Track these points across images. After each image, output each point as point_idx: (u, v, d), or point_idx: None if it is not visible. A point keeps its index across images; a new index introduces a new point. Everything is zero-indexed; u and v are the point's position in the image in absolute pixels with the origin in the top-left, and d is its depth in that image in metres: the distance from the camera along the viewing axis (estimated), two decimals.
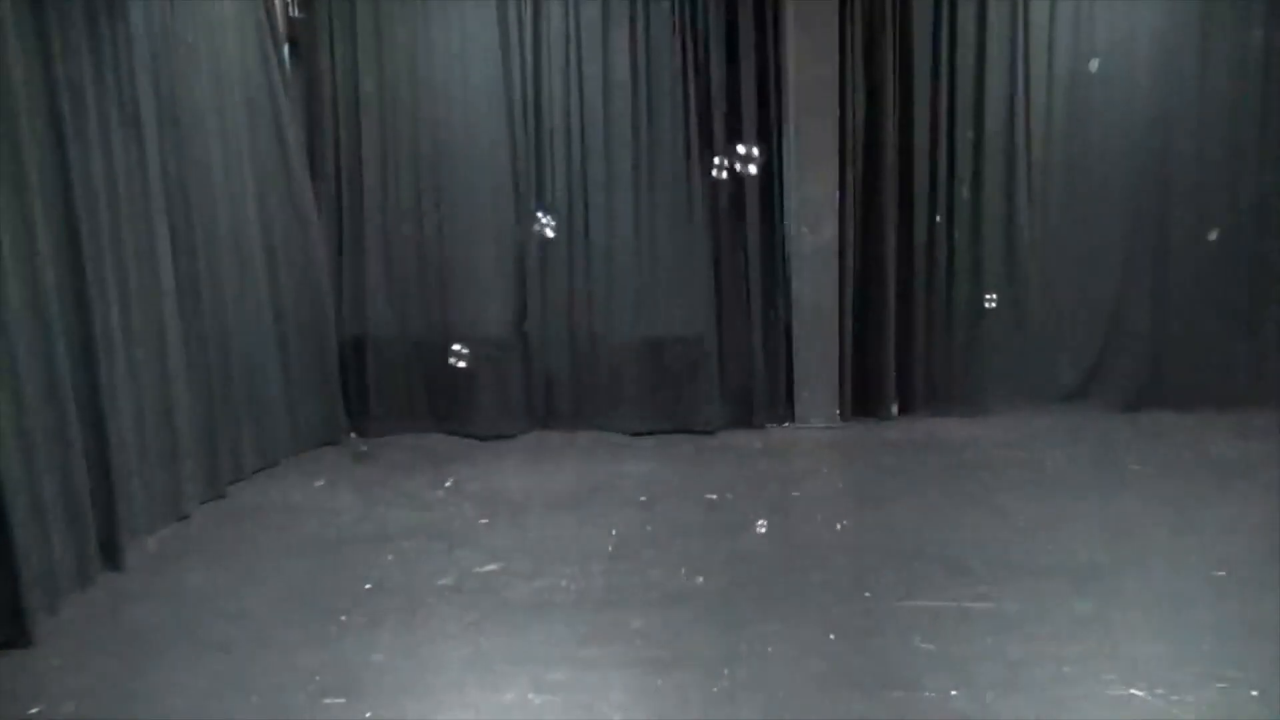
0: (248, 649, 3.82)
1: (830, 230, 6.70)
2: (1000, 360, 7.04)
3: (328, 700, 3.43)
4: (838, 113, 6.62)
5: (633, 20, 6.65)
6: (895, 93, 6.76)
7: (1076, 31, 6.77)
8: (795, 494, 5.78)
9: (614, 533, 4.83)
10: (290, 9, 6.52)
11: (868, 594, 4.11)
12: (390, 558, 4.72)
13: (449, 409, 6.88)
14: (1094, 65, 6.69)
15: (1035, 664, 3.52)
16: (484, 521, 5.23)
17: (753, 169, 6.45)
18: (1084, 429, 6.60)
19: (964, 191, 6.86)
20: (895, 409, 6.77)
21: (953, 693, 3.35)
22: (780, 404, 6.95)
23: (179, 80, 5.35)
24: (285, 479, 6.05)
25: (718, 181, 6.76)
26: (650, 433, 6.55)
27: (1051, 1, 6.73)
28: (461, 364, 5.10)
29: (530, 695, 3.43)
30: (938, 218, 6.83)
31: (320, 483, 5.96)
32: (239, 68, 5.95)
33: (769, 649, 3.69)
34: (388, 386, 6.88)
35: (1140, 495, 5.32)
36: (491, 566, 4.58)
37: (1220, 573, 4.25)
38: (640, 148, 6.73)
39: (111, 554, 4.56)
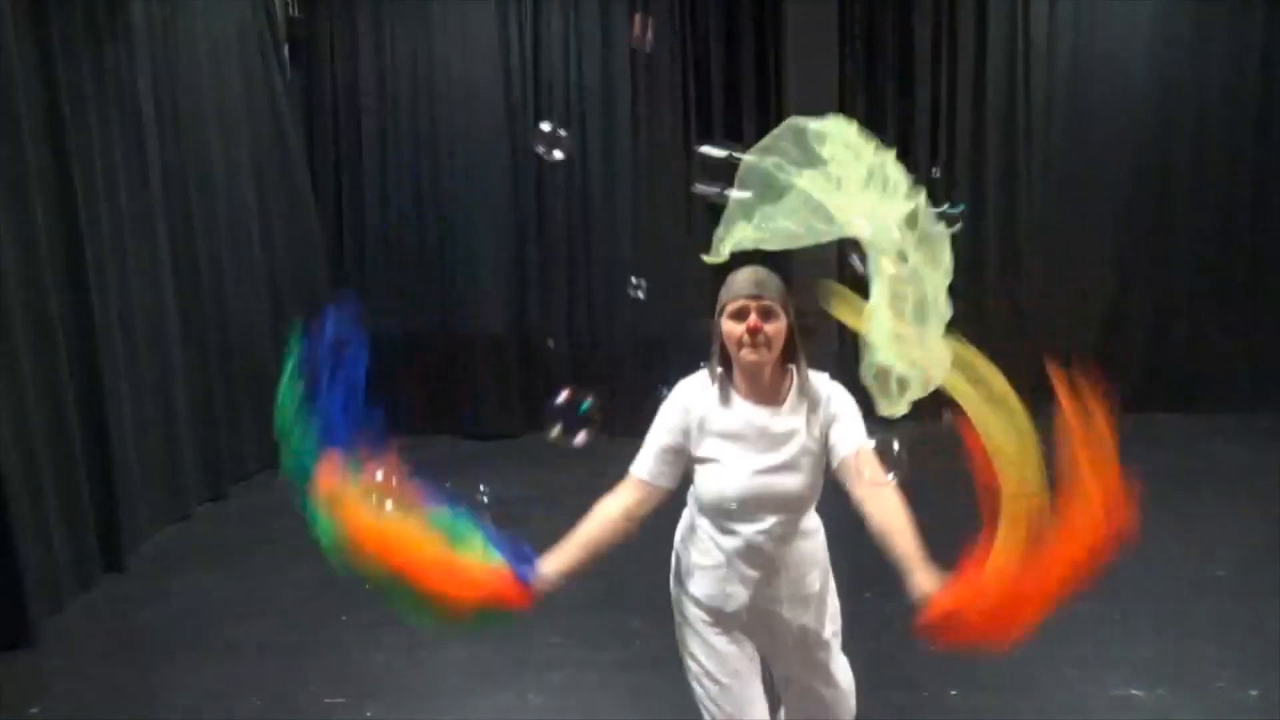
0: (248, 649, 3.83)
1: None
2: (1000, 361, 7.02)
3: (328, 701, 3.43)
4: (837, 113, 6.61)
5: (633, 21, 6.66)
6: (895, 93, 6.76)
7: (1076, 31, 6.78)
8: None
9: None
10: (290, 9, 6.52)
11: (868, 594, 4.10)
12: None
13: (449, 409, 6.88)
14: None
15: (1035, 664, 3.52)
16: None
17: None
18: None
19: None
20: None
21: (952, 693, 3.36)
22: None
23: (179, 80, 5.36)
24: (286, 479, 6.04)
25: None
26: None
27: (1051, 1, 6.74)
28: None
29: (530, 696, 3.44)
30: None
31: None
32: (239, 68, 5.95)
33: None
34: (388, 386, 6.86)
35: (1140, 496, 5.31)
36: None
37: (1220, 573, 4.26)
38: (640, 148, 6.74)
39: (113, 555, 4.56)
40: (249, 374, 5.97)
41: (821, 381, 2.26)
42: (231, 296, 5.81)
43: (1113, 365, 7.05)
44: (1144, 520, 5.33)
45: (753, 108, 6.72)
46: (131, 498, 4.73)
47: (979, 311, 6.99)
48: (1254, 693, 3.29)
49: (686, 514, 2.42)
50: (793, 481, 2.20)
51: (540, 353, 6.84)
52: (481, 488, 2.76)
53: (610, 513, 2.36)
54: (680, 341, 6.67)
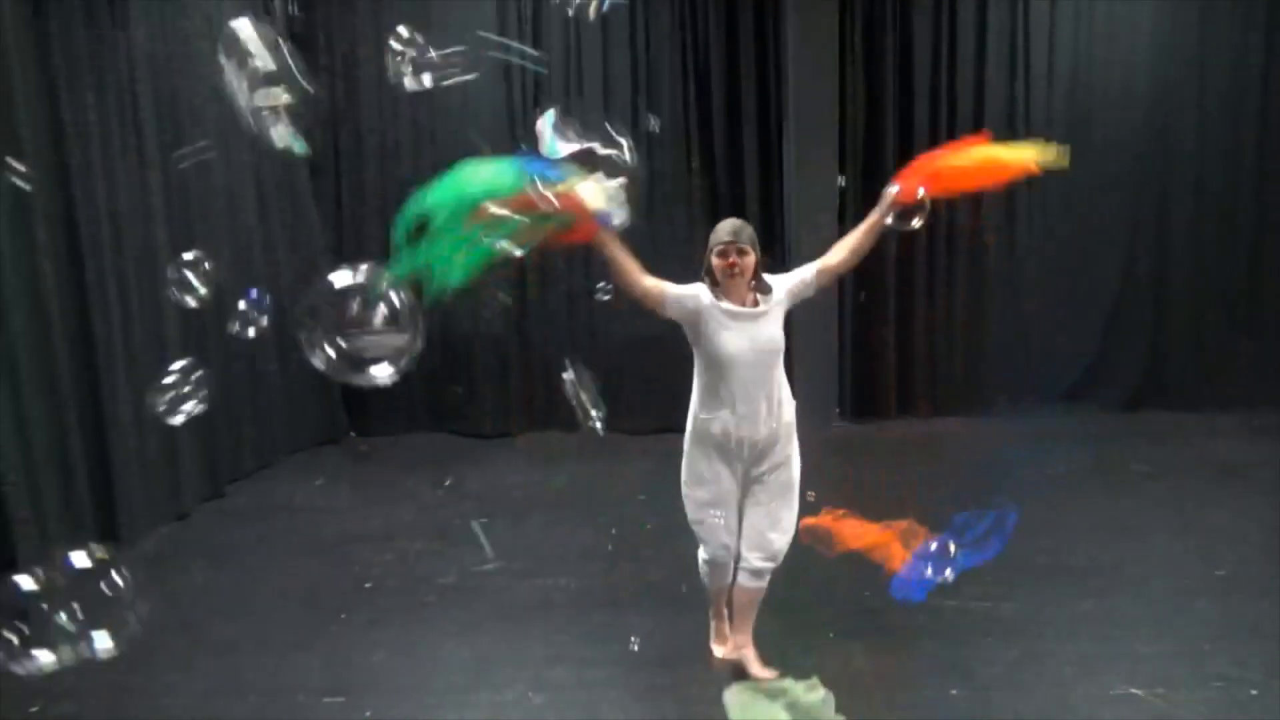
0: (248, 648, 3.82)
1: (830, 230, 6.70)
2: (1000, 360, 7.04)
3: (328, 700, 3.43)
4: (837, 113, 6.63)
5: (633, 21, 6.65)
6: (895, 93, 6.76)
7: (1076, 31, 6.77)
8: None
9: (614, 532, 4.83)
10: (290, 9, 6.52)
11: (868, 593, 4.10)
12: (390, 557, 4.71)
13: (449, 408, 6.88)
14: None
15: (1035, 664, 3.52)
16: (484, 521, 5.23)
17: None
18: (1084, 429, 6.60)
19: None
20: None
21: (953, 692, 3.35)
22: None
23: (179, 81, 5.35)
24: (285, 478, 6.05)
25: (717, 180, 6.78)
26: (650, 432, 6.55)
27: (1051, 1, 6.74)
28: None
29: (530, 695, 3.43)
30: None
31: (320, 482, 5.95)
32: None
33: (769, 649, 3.69)
34: (387, 386, 6.86)
35: (1140, 495, 5.32)
36: (491, 566, 4.58)
37: (1220, 573, 4.26)
38: (640, 148, 6.72)
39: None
40: (248, 373, 5.97)
41: (770, 280, 3.23)
42: (231, 296, 5.80)
43: (1114, 365, 7.08)
44: (1144, 519, 5.36)
45: (753, 108, 6.72)
46: (130, 496, 4.72)
47: (979, 312, 7.00)
48: (1254, 693, 3.29)
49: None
50: (767, 341, 3.20)
51: (539, 353, 6.84)
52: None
53: (637, 272, 3.16)
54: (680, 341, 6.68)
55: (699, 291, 3.18)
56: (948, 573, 3.35)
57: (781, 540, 3.33)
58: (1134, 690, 3.32)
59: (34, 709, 3.41)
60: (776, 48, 6.72)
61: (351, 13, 6.62)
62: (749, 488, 3.33)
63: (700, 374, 3.29)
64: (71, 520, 4.28)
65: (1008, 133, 6.82)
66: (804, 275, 3.23)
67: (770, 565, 3.34)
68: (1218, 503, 5.14)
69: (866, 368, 7.02)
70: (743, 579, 3.36)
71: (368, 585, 4.41)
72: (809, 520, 3.59)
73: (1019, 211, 6.91)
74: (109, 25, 4.74)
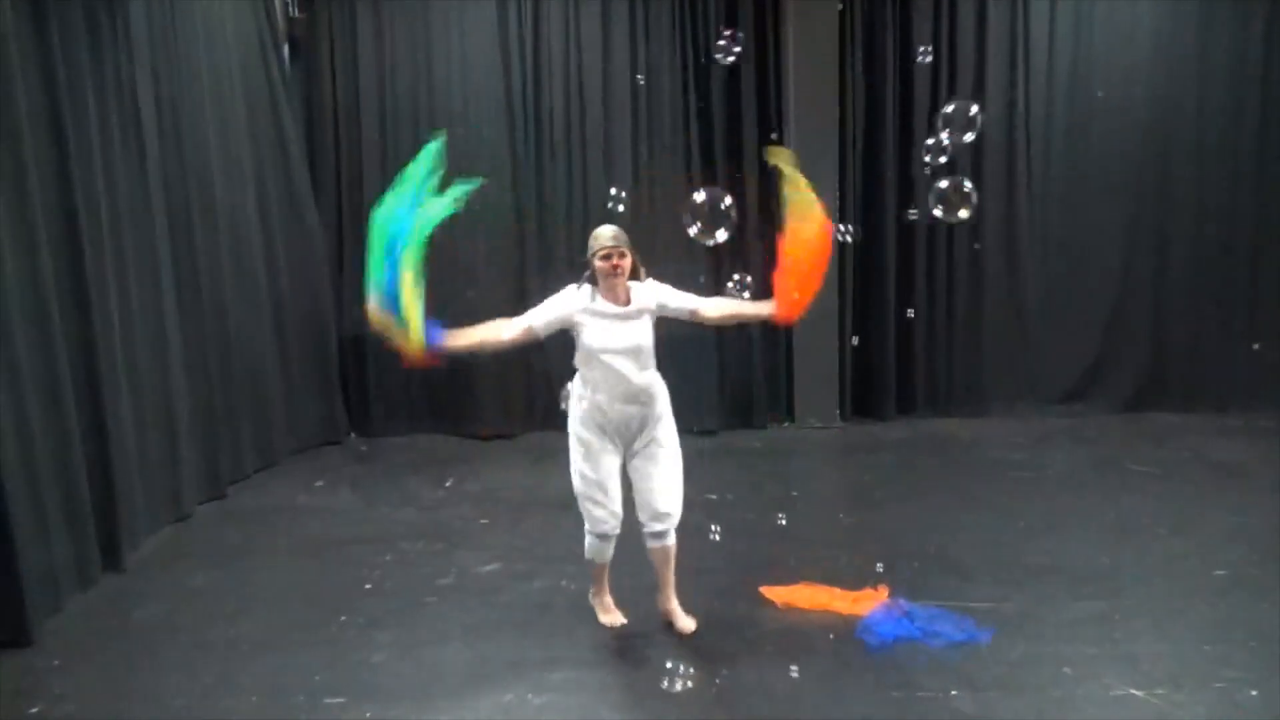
0: (248, 649, 3.82)
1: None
2: (1000, 361, 7.05)
3: (328, 700, 3.43)
4: (837, 113, 6.63)
5: (633, 21, 6.65)
6: (895, 93, 6.76)
7: (1076, 32, 6.78)
8: (795, 494, 5.78)
9: None
10: (290, 9, 6.52)
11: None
12: (390, 558, 4.72)
13: (449, 409, 6.88)
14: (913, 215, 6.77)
15: (1035, 664, 3.52)
16: (484, 522, 5.23)
17: None
18: (1084, 429, 6.61)
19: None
20: None
21: (953, 693, 3.35)
22: (780, 404, 6.95)
23: (179, 80, 5.36)
24: (285, 479, 6.05)
25: (716, 181, 6.78)
26: None
27: (1051, 1, 6.74)
28: None
29: (530, 696, 3.43)
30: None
31: (320, 483, 5.95)
32: (239, 68, 5.95)
33: (768, 649, 3.70)
34: (388, 386, 6.88)
35: (1140, 496, 5.32)
36: (491, 567, 4.58)
37: (1220, 573, 4.26)
38: (640, 148, 6.74)
39: (112, 554, 4.56)
40: (249, 374, 5.97)
41: (648, 285, 3.66)
42: (231, 297, 5.81)
43: (1114, 366, 7.08)
44: (1144, 519, 5.35)
45: (753, 108, 6.72)
46: (131, 498, 4.72)
47: (979, 313, 7.00)
48: (1254, 693, 3.29)
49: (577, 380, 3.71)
50: (637, 337, 3.61)
51: (538, 353, 6.83)
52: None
53: (499, 333, 3.62)
54: (679, 342, 6.68)
55: (568, 296, 3.64)
56: (916, 631, 3.72)
57: (667, 502, 3.67)
58: (1134, 691, 3.32)
59: (33, 709, 3.40)
60: (777, 50, 6.72)
61: (351, 13, 6.62)
62: (631, 463, 3.70)
63: (579, 362, 3.68)
64: (72, 522, 4.27)
65: (1008, 132, 6.82)
66: (684, 305, 3.65)
67: (662, 527, 3.68)
68: (1218, 503, 5.14)
69: (866, 368, 7.02)
70: (649, 543, 3.74)
71: (368, 586, 4.41)
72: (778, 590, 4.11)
73: (1018, 212, 6.91)
74: (109, 25, 4.74)
